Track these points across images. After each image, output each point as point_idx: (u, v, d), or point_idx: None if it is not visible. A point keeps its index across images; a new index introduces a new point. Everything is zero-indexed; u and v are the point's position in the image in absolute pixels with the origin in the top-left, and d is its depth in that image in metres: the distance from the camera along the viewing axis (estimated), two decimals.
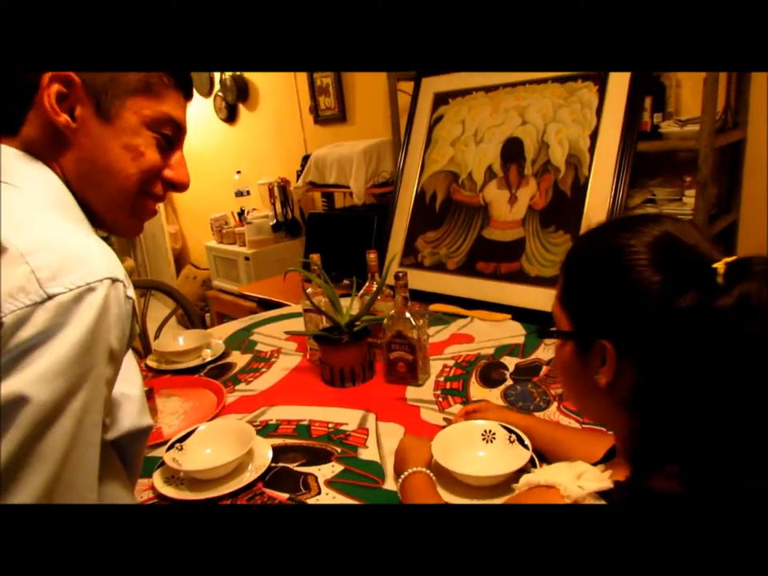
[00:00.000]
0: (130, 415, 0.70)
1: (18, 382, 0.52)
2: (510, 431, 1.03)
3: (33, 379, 0.52)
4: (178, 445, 1.10)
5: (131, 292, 0.62)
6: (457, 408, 1.24)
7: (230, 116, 3.79)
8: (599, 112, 1.70)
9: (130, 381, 0.70)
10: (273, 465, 1.08)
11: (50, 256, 0.56)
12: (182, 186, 0.78)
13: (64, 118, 0.66)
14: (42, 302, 0.53)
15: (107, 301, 0.57)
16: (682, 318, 0.54)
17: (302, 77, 3.17)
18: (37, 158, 0.67)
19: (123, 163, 0.70)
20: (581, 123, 1.73)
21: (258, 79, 3.53)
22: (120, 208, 0.73)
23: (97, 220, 0.73)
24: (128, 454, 0.71)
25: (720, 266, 0.54)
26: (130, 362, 0.70)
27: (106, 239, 2.63)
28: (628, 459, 0.61)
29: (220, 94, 3.75)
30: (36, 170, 0.67)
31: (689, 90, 1.81)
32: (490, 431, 1.05)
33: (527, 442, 1.00)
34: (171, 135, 0.75)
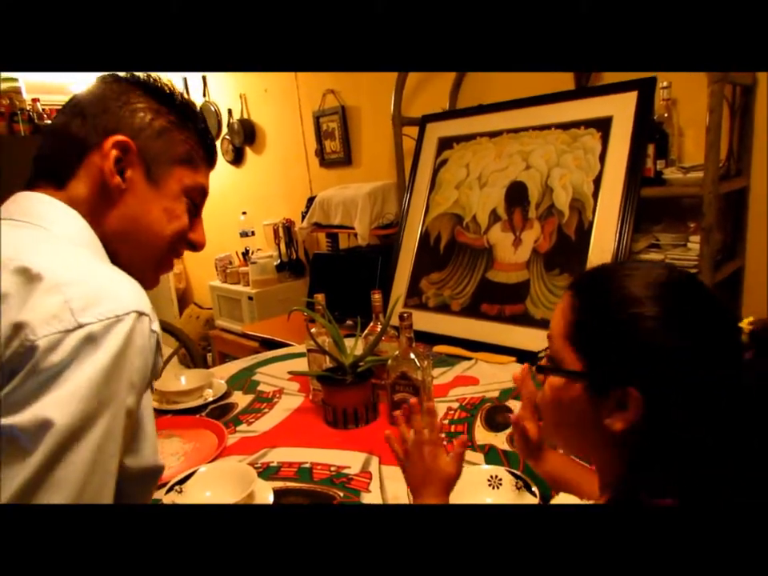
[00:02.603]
0: (145, 451, 0.69)
1: (43, 406, 0.54)
2: (518, 477, 1.01)
3: (56, 402, 0.54)
4: (177, 487, 1.08)
5: (156, 326, 0.64)
6: None
7: (237, 158, 3.85)
8: (602, 158, 1.72)
9: (147, 417, 0.70)
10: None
11: (83, 288, 0.59)
12: (200, 246, 0.86)
13: (118, 179, 0.72)
14: (74, 329, 0.56)
15: (132, 333, 0.60)
16: (718, 374, 0.57)
17: (308, 121, 3.23)
18: (82, 211, 0.72)
19: (161, 224, 0.77)
20: (584, 168, 1.75)
21: (264, 123, 3.60)
22: (149, 264, 0.80)
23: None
24: (136, 494, 0.71)
25: (745, 325, 0.58)
26: (147, 398, 0.70)
27: None
28: (611, 492, 0.63)
29: (227, 137, 3.82)
30: (63, 213, 0.71)
31: (691, 139, 1.83)
32: (496, 477, 1.03)
33: (534, 488, 0.98)
34: (198, 202, 0.83)
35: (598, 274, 0.67)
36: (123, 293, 0.62)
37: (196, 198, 0.82)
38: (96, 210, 0.73)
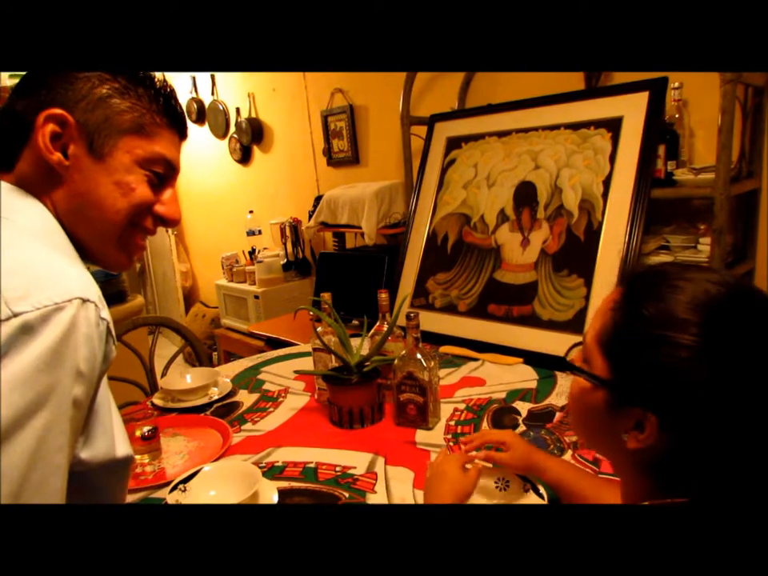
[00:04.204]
0: (103, 444, 0.67)
1: None
2: (525, 480, 0.99)
3: None
4: (181, 486, 1.07)
5: (106, 314, 0.62)
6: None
7: (244, 157, 3.85)
8: (612, 158, 1.70)
9: (104, 408, 0.67)
10: None
11: (20, 277, 0.57)
12: (172, 222, 0.80)
13: (57, 156, 0.69)
14: (7, 319, 0.54)
15: (75, 320, 0.58)
16: (747, 417, 0.54)
17: (316, 120, 3.22)
18: (30, 193, 0.70)
19: (113, 199, 0.72)
20: (594, 169, 1.74)
21: (272, 122, 3.60)
22: (108, 240, 0.75)
23: (86, 253, 0.75)
24: (100, 487, 0.69)
25: None
26: (104, 387, 0.68)
27: (115, 276, 2.59)
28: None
29: (235, 135, 3.82)
30: (26, 203, 0.69)
31: (702, 140, 1.82)
32: (503, 479, 1.01)
33: (542, 491, 0.96)
34: (163, 173, 0.77)
35: (652, 274, 0.62)
36: (65, 280, 0.59)
37: (157, 169, 0.76)
38: (43, 191, 0.70)
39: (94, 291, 0.61)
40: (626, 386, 0.59)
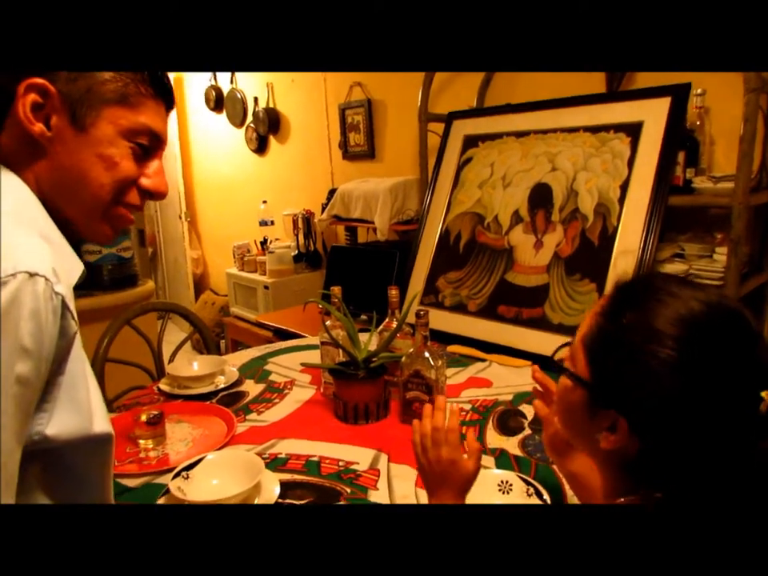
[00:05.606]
0: (74, 420, 0.65)
1: None
2: (529, 484, 0.99)
3: None
4: (184, 473, 1.07)
5: (61, 288, 0.60)
6: None
7: (260, 147, 3.85)
8: (631, 163, 1.69)
9: (75, 384, 0.66)
10: (279, 501, 1.04)
11: None
12: (158, 195, 0.78)
13: (39, 127, 0.67)
14: None
15: (18, 294, 0.56)
16: (717, 427, 0.57)
17: (334, 113, 3.22)
18: (12, 166, 0.68)
19: (97, 173, 0.71)
20: (611, 173, 1.72)
21: (290, 112, 3.60)
22: (92, 215, 0.74)
23: (70, 227, 0.73)
24: (75, 465, 0.68)
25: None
26: (77, 363, 0.66)
27: (127, 260, 2.57)
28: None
29: (252, 125, 3.82)
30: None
31: (722, 148, 1.80)
32: (506, 482, 1.01)
33: (546, 496, 0.96)
34: (148, 145, 0.75)
35: (639, 284, 0.64)
36: (14, 255, 0.57)
37: (142, 140, 0.73)
38: (26, 164, 0.69)
39: (47, 265, 0.59)
40: (601, 389, 0.63)
